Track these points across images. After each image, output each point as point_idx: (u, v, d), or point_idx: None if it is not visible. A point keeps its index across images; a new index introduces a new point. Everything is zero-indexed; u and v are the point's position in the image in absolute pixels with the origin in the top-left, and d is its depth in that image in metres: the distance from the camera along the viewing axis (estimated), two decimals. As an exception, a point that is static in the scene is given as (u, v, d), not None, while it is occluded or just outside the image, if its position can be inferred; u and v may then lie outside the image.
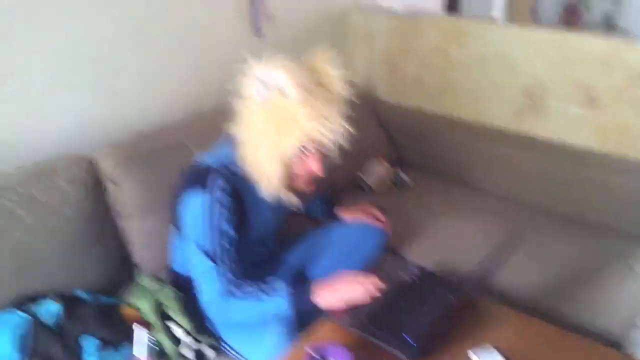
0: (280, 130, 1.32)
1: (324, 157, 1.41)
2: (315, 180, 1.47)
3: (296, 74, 1.30)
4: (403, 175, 2.48)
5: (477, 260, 1.66)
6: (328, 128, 1.32)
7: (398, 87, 2.79)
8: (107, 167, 1.73)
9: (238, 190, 1.44)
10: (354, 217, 1.83)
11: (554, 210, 2.23)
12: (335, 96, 1.38)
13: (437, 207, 2.27)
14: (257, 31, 2.40)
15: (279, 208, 1.58)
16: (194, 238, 1.41)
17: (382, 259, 1.79)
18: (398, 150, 2.67)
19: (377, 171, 2.44)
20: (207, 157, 1.48)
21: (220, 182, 1.40)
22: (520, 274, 1.86)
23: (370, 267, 1.75)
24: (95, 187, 1.72)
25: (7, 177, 1.59)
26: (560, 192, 2.25)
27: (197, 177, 1.42)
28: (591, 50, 2.18)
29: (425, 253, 1.99)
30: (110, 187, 1.76)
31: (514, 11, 4.23)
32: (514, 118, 2.45)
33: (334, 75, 1.39)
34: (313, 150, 1.38)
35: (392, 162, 2.54)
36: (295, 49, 2.51)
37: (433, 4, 3.02)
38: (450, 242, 2.04)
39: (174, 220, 1.53)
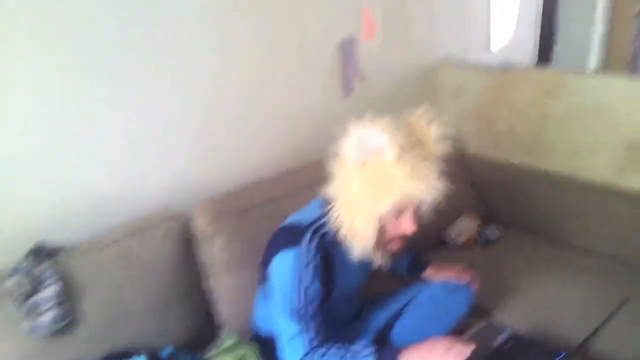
0: (378, 191, 1.31)
1: (417, 216, 1.39)
2: (407, 238, 1.45)
3: (395, 133, 1.31)
4: (492, 232, 2.38)
5: (576, 328, 1.54)
6: (425, 187, 1.32)
7: (490, 141, 2.72)
8: (201, 222, 1.77)
9: (328, 250, 1.44)
10: (441, 276, 1.78)
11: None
12: (431, 154, 1.38)
13: (530, 266, 2.15)
14: (348, 91, 2.44)
15: (366, 267, 1.55)
16: (282, 298, 1.40)
17: (471, 322, 1.71)
18: (488, 205, 2.58)
19: (466, 228, 2.36)
20: (299, 217, 1.49)
21: (314, 243, 1.40)
22: (626, 341, 1.70)
23: (458, 330, 1.68)
24: (188, 243, 1.78)
25: (107, 234, 1.67)
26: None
27: (291, 237, 1.42)
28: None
29: (518, 317, 1.86)
30: (203, 243, 1.80)
31: (612, 59, 4.06)
32: (616, 174, 2.30)
33: (431, 134, 1.39)
34: (409, 210, 1.36)
35: (482, 217, 2.46)
36: (385, 106, 2.58)
37: (524, 57, 2.96)
38: (546, 306, 1.91)
39: (262, 279, 1.54)
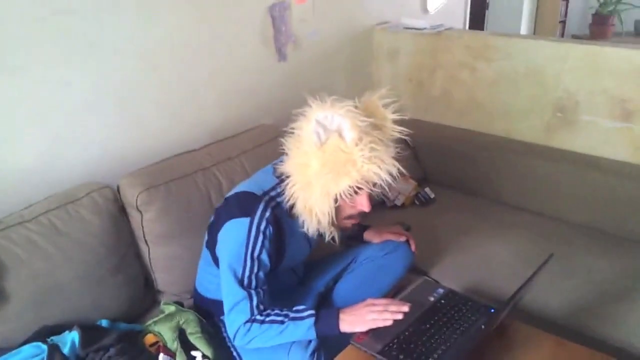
0: (337, 172, 1.33)
1: (371, 195, 1.42)
2: (359, 217, 1.49)
3: (356, 117, 1.32)
4: (428, 192, 2.44)
5: (509, 282, 1.60)
6: (383, 169, 1.34)
7: (424, 104, 2.76)
8: (130, 194, 1.74)
9: (280, 222, 1.45)
10: (381, 238, 1.82)
11: (588, 226, 2.15)
12: (389, 137, 1.41)
13: (465, 224, 2.22)
14: (281, 56, 2.41)
15: (313, 239, 1.57)
16: (229, 265, 1.40)
17: (408, 280, 1.76)
18: (423, 166, 2.63)
19: (403, 189, 2.40)
20: (251, 185, 1.49)
21: (267, 213, 1.41)
22: (553, 292, 1.80)
23: (396, 289, 1.72)
24: (118, 215, 1.73)
25: (32, 208, 1.62)
26: (595, 207, 2.17)
27: (244, 205, 1.43)
28: (627, 61, 2.11)
29: (453, 273, 1.92)
30: (133, 215, 1.76)
31: (542, 25, 4.18)
32: (545, 133, 2.39)
33: (389, 118, 1.42)
34: (364, 189, 1.38)
35: (418, 179, 2.51)
36: (320, 71, 2.60)
37: (457, 23, 3.00)
38: (480, 262, 1.98)
39: (211, 244, 1.53)
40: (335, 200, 1.37)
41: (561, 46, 2.28)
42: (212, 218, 1.57)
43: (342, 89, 2.75)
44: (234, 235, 1.41)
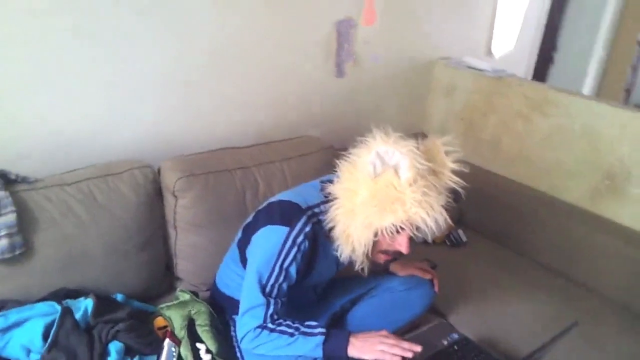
0: (384, 207, 1.31)
1: (412, 238, 1.40)
2: (396, 256, 1.47)
3: (416, 158, 1.31)
4: (461, 234, 2.40)
5: (526, 341, 1.56)
6: (430, 216, 1.31)
7: (471, 145, 2.73)
8: (169, 178, 1.77)
9: (317, 239, 1.45)
10: (406, 272, 1.79)
11: (620, 303, 2.06)
12: (443, 185, 1.38)
13: (492, 274, 2.17)
14: (340, 72, 2.43)
15: (342, 263, 1.55)
16: (256, 269, 1.40)
17: (424, 319, 1.73)
18: (460, 208, 2.59)
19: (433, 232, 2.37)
20: (297, 196, 1.48)
21: (307, 228, 1.40)
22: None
23: (411, 326, 1.70)
24: (154, 196, 1.77)
25: (75, 173, 1.66)
26: (631, 285, 2.07)
27: (286, 214, 1.42)
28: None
29: (471, 321, 1.88)
30: (168, 198, 1.79)
31: (606, 90, 4.09)
32: (590, 198, 2.33)
33: (448, 166, 1.39)
34: (407, 231, 1.36)
35: (453, 218, 2.47)
36: (375, 93, 2.60)
37: (520, 69, 2.97)
38: (500, 315, 1.93)
39: (242, 243, 1.53)
40: (375, 234, 1.35)
41: (623, 113, 2.22)
42: (250, 218, 1.56)
43: (393, 115, 2.75)
44: (269, 241, 1.41)
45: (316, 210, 1.45)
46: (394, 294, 1.74)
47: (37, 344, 1.36)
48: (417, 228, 1.35)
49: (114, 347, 1.41)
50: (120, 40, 1.76)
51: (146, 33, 1.80)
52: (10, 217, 1.46)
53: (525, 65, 3.55)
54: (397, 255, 1.46)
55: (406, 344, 1.35)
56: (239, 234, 1.58)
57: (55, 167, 1.68)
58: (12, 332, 1.39)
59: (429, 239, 1.44)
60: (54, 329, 1.37)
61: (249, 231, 1.50)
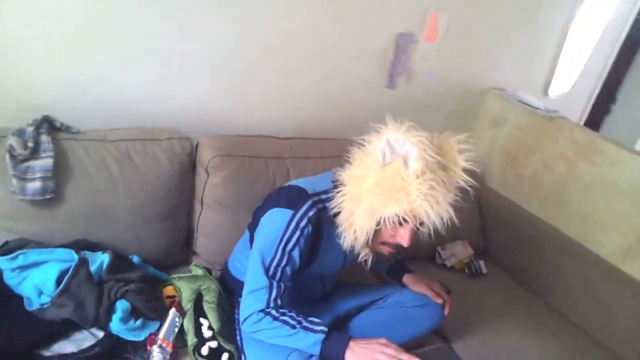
0: (389, 196, 1.30)
1: (414, 231, 1.38)
2: (398, 249, 1.45)
3: (426, 150, 1.29)
4: (482, 265, 2.36)
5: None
6: (435, 210, 1.30)
7: (511, 180, 2.68)
8: (205, 154, 1.80)
9: (320, 226, 1.44)
10: (418, 289, 1.77)
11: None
12: (452, 182, 1.37)
13: (506, 311, 2.13)
14: (391, 85, 2.43)
15: (349, 256, 1.55)
16: (260, 250, 1.41)
17: (428, 340, 1.71)
18: (487, 239, 2.56)
19: (458, 252, 2.35)
20: (307, 183, 1.49)
21: (311, 213, 1.40)
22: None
23: (414, 344, 1.67)
24: (187, 168, 1.80)
25: (117, 132, 1.71)
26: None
27: (292, 198, 1.43)
28: None
29: (475, 353, 1.84)
30: (201, 174, 1.82)
31: (661, 150, 3.97)
32: (622, 255, 2.25)
33: (459, 164, 1.37)
34: (409, 223, 1.35)
35: (476, 249, 2.44)
36: (422, 112, 2.59)
37: (573, 115, 2.90)
38: (505, 354, 1.89)
39: (252, 226, 1.55)
40: (378, 223, 1.34)
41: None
42: (261, 202, 1.58)
43: (436, 136, 2.72)
44: (274, 223, 1.42)
45: (323, 196, 1.45)
46: (403, 309, 1.72)
47: (50, 288, 1.40)
48: (421, 223, 1.34)
49: (121, 306, 1.44)
50: (184, 16, 1.80)
51: (210, 13, 1.84)
52: (48, 162, 1.51)
53: (579, 111, 3.48)
54: (398, 249, 1.44)
55: (406, 357, 1.33)
56: (250, 218, 1.59)
57: (100, 123, 1.73)
58: (29, 271, 1.43)
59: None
60: (67, 276, 1.41)
61: (258, 214, 1.51)
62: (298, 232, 1.39)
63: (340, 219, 1.40)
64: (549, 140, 2.52)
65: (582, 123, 3.49)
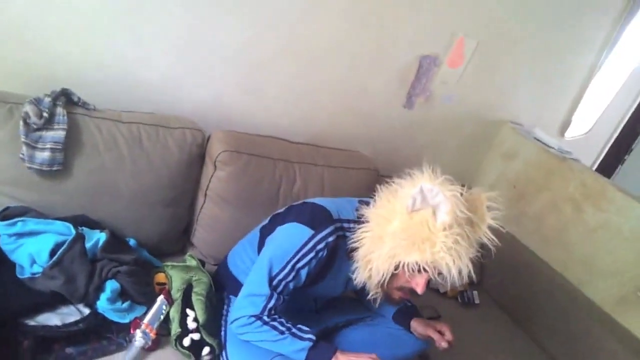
0: (412, 243, 1.30)
1: (430, 281, 1.38)
2: (410, 294, 1.45)
3: (457, 205, 1.29)
4: (475, 296, 2.36)
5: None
6: (456, 265, 1.29)
7: (515, 215, 2.67)
8: (215, 148, 1.80)
9: (336, 253, 1.44)
10: (425, 332, 1.66)
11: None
12: (476, 238, 1.36)
13: (493, 345, 2.12)
14: (409, 104, 2.44)
15: (349, 284, 1.54)
16: (270, 260, 1.40)
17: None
18: (483, 269, 2.54)
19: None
20: (334, 206, 1.48)
21: (331, 239, 1.40)
22: None
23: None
24: (196, 159, 1.80)
25: (131, 114, 1.72)
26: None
27: (317, 218, 1.42)
28: None
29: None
30: (208, 166, 1.83)
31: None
32: (616, 304, 2.23)
33: (486, 221, 1.37)
34: (428, 273, 1.34)
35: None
36: (435, 135, 2.59)
37: (587, 159, 2.90)
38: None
39: (266, 231, 1.54)
40: (396, 267, 1.34)
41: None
42: (281, 209, 1.58)
43: (446, 160, 2.70)
44: (291, 237, 1.41)
45: (345, 225, 1.44)
46: (390, 329, 1.71)
47: (43, 258, 1.41)
48: (439, 273, 1.33)
49: (111, 286, 1.44)
50: (210, 11, 1.81)
51: (236, 11, 1.85)
52: (60, 134, 1.52)
53: (593, 156, 3.48)
54: (411, 295, 1.43)
55: None
56: (266, 221, 1.59)
57: (116, 104, 1.74)
58: (25, 239, 1.44)
59: (447, 288, 1.39)
60: (62, 249, 1.41)
61: (277, 221, 1.50)
62: (312, 254, 1.38)
63: (358, 255, 1.40)
64: (559, 180, 2.52)
65: (594, 169, 3.48)
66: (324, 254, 1.40)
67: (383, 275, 1.35)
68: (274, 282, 1.38)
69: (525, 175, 2.68)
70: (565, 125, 3.10)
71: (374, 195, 1.43)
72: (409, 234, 1.30)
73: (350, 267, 1.43)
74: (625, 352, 2.07)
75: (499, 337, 2.20)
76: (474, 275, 1.33)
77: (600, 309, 2.25)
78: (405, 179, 1.35)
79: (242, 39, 1.91)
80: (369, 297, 1.47)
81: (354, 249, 1.41)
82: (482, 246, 1.38)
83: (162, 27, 1.77)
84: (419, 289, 1.37)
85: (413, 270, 1.33)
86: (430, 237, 1.28)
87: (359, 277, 1.40)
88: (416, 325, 1.70)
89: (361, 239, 1.39)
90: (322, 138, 2.23)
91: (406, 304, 1.73)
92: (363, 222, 1.40)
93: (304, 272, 1.40)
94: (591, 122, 3.23)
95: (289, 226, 1.43)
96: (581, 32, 2.74)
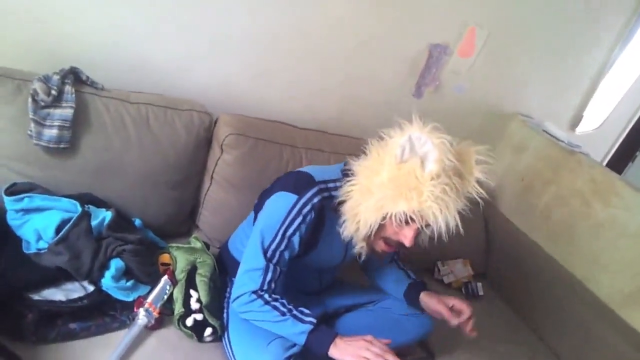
0: (399, 193, 1.30)
1: (417, 232, 1.38)
2: (397, 247, 1.44)
3: (445, 154, 1.29)
4: (479, 287, 2.35)
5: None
6: (443, 215, 1.30)
7: (522, 208, 2.65)
8: (222, 131, 1.81)
9: (324, 213, 1.44)
10: (436, 308, 1.65)
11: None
12: (464, 191, 1.37)
13: (495, 337, 2.11)
14: (418, 93, 2.42)
15: (349, 251, 1.54)
16: (262, 231, 1.41)
17: (412, 350, 1.70)
18: (489, 262, 2.54)
19: (457, 270, 2.33)
20: (316, 171, 1.49)
21: (316, 200, 1.40)
22: None
23: (397, 352, 1.66)
24: (203, 142, 1.81)
25: (140, 95, 1.72)
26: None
27: (299, 184, 1.43)
28: None
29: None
30: (215, 149, 1.83)
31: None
32: (621, 301, 2.21)
33: (474, 174, 1.37)
34: (415, 223, 1.34)
35: (476, 270, 2.42)
36: (443, 124, 2.57)
37: (597, 154, 2.87)
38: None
39: (258, 208, 1.55)
40: (384, 218, 1.34)
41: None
42: (269, 185, 1.58)
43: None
44: (277, 206, 1.42)
45: (330, 185, 1.45)
46: (392, 315, 1.71)
47: (49, 234, 1.42)
48: (427, 225, 1.34)
49: (115, 264, 1.45)
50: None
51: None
52: (68, 112, 1.52)
53: (603, 152, 3.44)
54: (398, 248, 1.43)
55: (391, 357, 1.32)
56: (256, 199, 1.59)
57: (125, 85, 1.74)
58: (32, 215, 1.45)
59: (434, 238, 1.38)
60: (68, 225, 1.42)
61: (264, 196, 1.51)
62: (300, 218, 1.39)
63: (345, 208, 1.40)
64: (568, 174, 2.49)
65: (605, 163, 3.46)
66: (312, 216, 1.40)
67: (371, 227, 1.35)
68: (269, 254, 1.39)
69: (534, 169, 2.66)
70: (576, 119, 3.07)
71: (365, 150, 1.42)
72: (397, 184, 1.30)
73: (339, 224, 1.43)
74: (628, 348, 2.06)
75: (502, 329, 2.19)
76: (461, 229, 1.34)
77: (605, 305, 2.23)
78: (395, 129, 1.35)
79: (252, 23, 1.91)
80: (355, 250, 1.46)
81: (341, 203, 1.41)
82: (471, 201, 1.39)
83: (173, 10, 1.77)
84: (407, 241, 1.37)
85: (401, 221, 1.33)
86: (417, 187, 1.28)
87: (347, 230, 1.40)
88: (427, 299, 1.68)
89: (349, 191, 1.39)
90: (330, 125, 2.22)
91: (416, 280, 1.73)
92: (348, 176, 1.41)
93: (295, 239, 1.40)
94: (602, 118, 3.20)
95: (275, 196, 1.44)
96: (594, 27, 2.70)
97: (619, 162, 3.64)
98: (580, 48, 2.74)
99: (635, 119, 3.43)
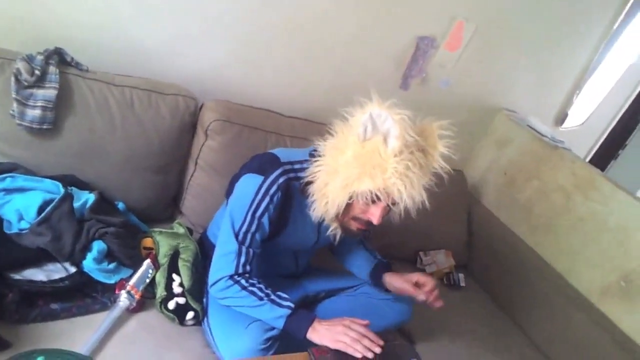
0: (364, 171, 1.31)
1: (386, 210, 1.39)
2: (367, 226, 1.45)
3: (407, 130, 1.30)
4: (461, 278, 2.38)
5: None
6: (408, 191, 1.31)
7: (504, 201, 2.69)
8: (207, 117, 1.81)
9: (292, 193, 1.45)
10: (400, 285, 1.66)
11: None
12: (429, 166, 1.38)
13: (476, 327, 2.15)
14: (404, 85, 2.43)
15: (323, 233, 1.55)
16: (231, 214, 1.42)
17: (391, 336, 1.71)
18: (471, 254, 2.56)
19: (439, 260, 2.36)
20: (284, 153, 1.50)
21: (281, 180, 1.41)
22: None
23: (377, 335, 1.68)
24: (187, 127, 1.81)
25: (125, 77, 1.71)
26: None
27: (265, 165, 1.44)
28: None
29: (434, 355, 1.86)
30: (200, 135, 1.83)
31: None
32: (600, 294, 2.25)
33: (438, 148, 1.38)
34: (382, 201, 1.36)
35: (458, 261, 2.45)
36: (430, 117, 2.58)
37: (580, 150, 2.90)
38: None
39: (228, 193, 1.55)
40: (350, 197, 1.35)
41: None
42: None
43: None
44: (244, 188, 1.43)
45: (296, 166, 1.45)
46: (371, 300, 1.73)
47: (31, 215, 1.41)
48: (394, 203, 1.35)
49: (97, 246, 1.45)
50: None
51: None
52: (51, 92, 1.52)
53: (586, 149, 3.49)
54: (368, 226, 1.44)
55: (368, 341, 1.31)
56: (229, 184, 1.59)
57: (111, 67, 1.73)
58: (14, 195, 1.44)
59: (401, 214, 1.39)
60: (50, 206, 1.42)
61: (234, 181, 1.51)
62: (267, 199, 1.40)
63: (313, 189, 1.41)
64: (550, 169, 2.53)
65: (588, 159, 3.50)
66: (279, 196, 1.41)
67: (338, 206, 1.36)
68: (240, 237, 1.40)
69: (517, 163, 2.69)
70: (561, 115, 3.10)
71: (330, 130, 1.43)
72: (361, 162, 1.31)
73: (308, 204, 1.43)
74: (606, 340, 2.10)
75: (482, 319, 2.22)
76: (427, 205, 1.35)
77: (584, 297, 2.27)
78: (356, 108, 1.35)
79: (241, 8, 1.90)
80: (328, 232, 1.47)
81: (309, 184, 1.41)
82: (438, 176, 1.40)
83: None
84: (375, 218, 1.38)
85: (367, 200, 1.34)
86: (381, 164, 1.29)
87: (316, 210, 1.41)
88: (391, 279, 1.69)
89: (315, 172, 1.40)
90: (316, 115, 2.23)
91: (381, 260, 1.74)
92: (315, 157, 1.41)
93: (265, 219, 1.41)
94: (587, 114, 3.24)
95: (242, 179, 1.45)
96: (581, 25, 2.73)
97: (602, 160, 3.69)
98: (565, 45, 2.77)
99: (619, 117, 3.48)
